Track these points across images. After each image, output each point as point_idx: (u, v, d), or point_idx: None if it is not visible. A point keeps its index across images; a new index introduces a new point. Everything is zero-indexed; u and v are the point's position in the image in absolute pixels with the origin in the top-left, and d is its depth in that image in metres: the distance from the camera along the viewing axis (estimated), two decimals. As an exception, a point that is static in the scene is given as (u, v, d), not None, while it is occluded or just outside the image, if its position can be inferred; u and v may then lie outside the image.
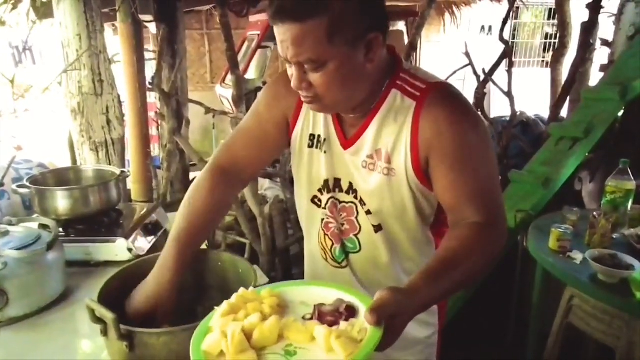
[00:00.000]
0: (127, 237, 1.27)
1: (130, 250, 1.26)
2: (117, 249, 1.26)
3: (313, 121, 0.93)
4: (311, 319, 0.65)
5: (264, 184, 3.24)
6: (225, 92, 4.49)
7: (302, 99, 0.82)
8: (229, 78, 4.70)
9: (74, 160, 1.99)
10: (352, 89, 0.80)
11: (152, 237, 1.39)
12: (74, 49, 1.63)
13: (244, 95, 2.37)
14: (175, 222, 0.90)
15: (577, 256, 1.68)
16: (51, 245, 1.06)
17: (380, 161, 0.86)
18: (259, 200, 2.21)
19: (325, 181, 0.94)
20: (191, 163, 2.73)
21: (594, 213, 1.81)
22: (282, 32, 0.73)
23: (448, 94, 0.83)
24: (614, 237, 1.77)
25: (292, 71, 0.78)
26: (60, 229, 1.23)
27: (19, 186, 1.30)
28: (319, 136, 0.92)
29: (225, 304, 0.67)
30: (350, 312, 0.64)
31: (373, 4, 0.76)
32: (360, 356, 0.56)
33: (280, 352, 0.60)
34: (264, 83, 4.66)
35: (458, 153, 0.79)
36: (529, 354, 2.10)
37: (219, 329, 0.62)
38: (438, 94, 0.82)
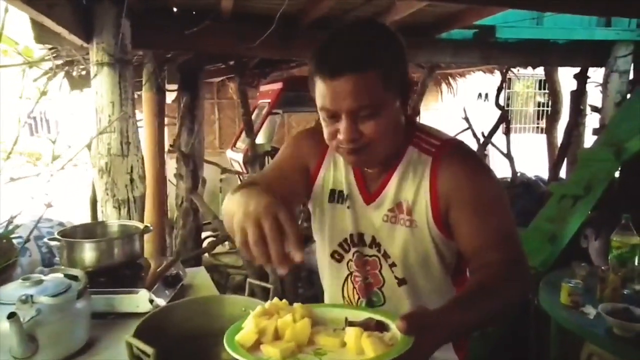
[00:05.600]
0: (149, 289, 1.31)
1: (151, 301, 1.29)
2: (139, 301, 1.28)
3: (334, 178, 0.98)
4: (342, 330, 0.64)
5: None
6: (235, 156, 4.69)
7: (346, 152, 0.85)
8: (239, 143, 4.95)
9: (94, 217, 2.06)
10: (393, 138, 0.86)
11: (172, 289, 1.42)
12: (107, 115, 1.78)
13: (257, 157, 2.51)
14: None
15: (590, 310, 1.68)
16: (81, 294, 1.09)
17: (402, 214, 0.91)
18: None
19: (350, 235, 0.98)
20: (204, 222, 2.81)
21: (602, 267, 1.83)
22: (340, 84, 0.78)
23: (462, 149, 0.91)
24: (625, 292, 1.78)
25: (332, 128, 0.83)
26: (85, 281, 1.27)
27: (50, 239, 1.36)
28: (341, 192, 0.97)
29: (259, 308, 0.68)
30: (381, 327, 0.64)
31: (405, 61, 0.86)
32: (390, 356, 0.56)
33: (310, 352, 0.61)
34: (273, 147, 4.85)
35: (479, 202, 0.85)
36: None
37: (253, 326, 0.63)
38: (452, 150, 0.90)
